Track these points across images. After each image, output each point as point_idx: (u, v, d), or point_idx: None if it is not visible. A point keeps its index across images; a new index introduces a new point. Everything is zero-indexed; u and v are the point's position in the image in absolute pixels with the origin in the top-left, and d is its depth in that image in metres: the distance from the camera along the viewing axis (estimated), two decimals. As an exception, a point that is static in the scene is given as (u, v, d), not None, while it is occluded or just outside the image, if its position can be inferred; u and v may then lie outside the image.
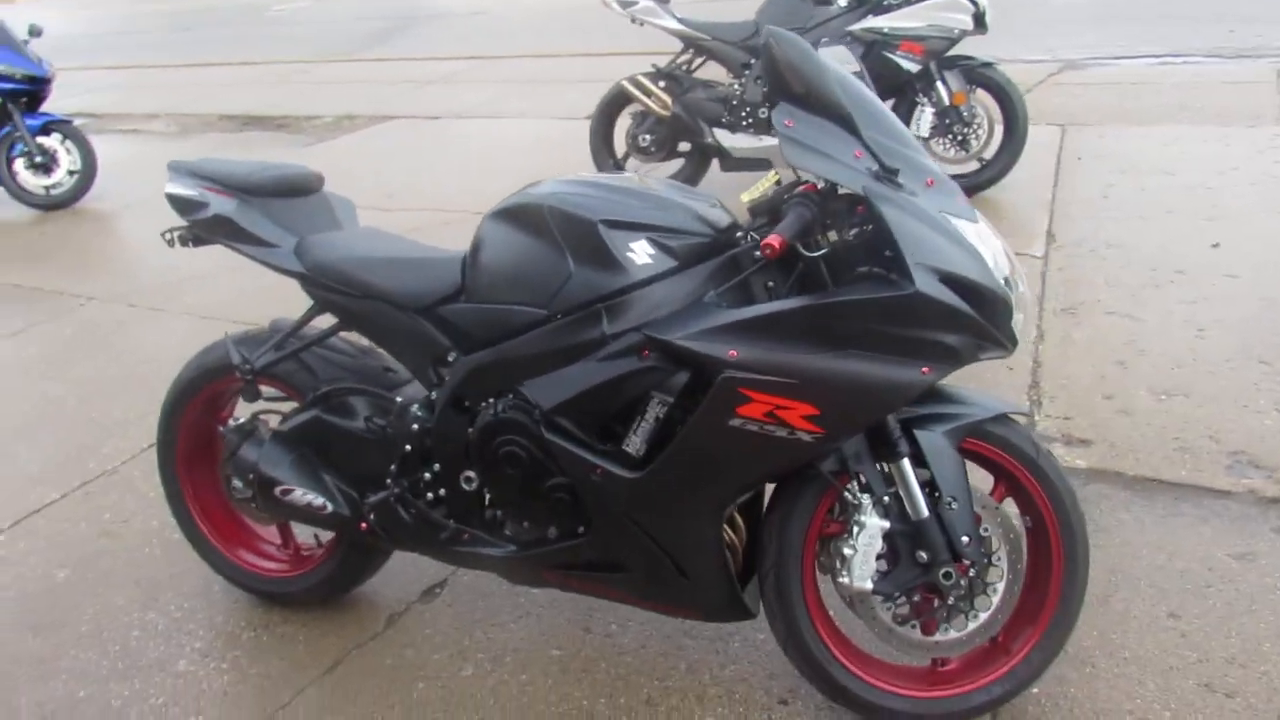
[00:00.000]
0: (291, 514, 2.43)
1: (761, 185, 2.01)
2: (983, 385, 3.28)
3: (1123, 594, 2.46)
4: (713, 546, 2.01)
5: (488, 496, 2.22)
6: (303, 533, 2.71)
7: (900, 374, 1.81)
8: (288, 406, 2.46)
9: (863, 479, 1.98)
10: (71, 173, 6.72)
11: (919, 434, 1.95)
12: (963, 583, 1.98)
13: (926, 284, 1.75)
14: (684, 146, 5.65)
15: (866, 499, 1.97)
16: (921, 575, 1.98)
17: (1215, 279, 4.09)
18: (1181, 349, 3.57)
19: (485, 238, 2.11)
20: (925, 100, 5.19)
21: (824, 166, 1.81)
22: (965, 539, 1.96)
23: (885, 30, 5.05)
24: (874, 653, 2.18)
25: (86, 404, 3.93)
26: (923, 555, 1.97)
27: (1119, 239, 4.58)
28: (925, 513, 1.96)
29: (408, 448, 2.25)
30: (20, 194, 6.70)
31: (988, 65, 5.15)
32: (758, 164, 5.26)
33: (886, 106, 1.94)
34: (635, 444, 1.97)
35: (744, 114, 5.28)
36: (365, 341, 2.40)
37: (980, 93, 5.20)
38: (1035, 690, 2.18)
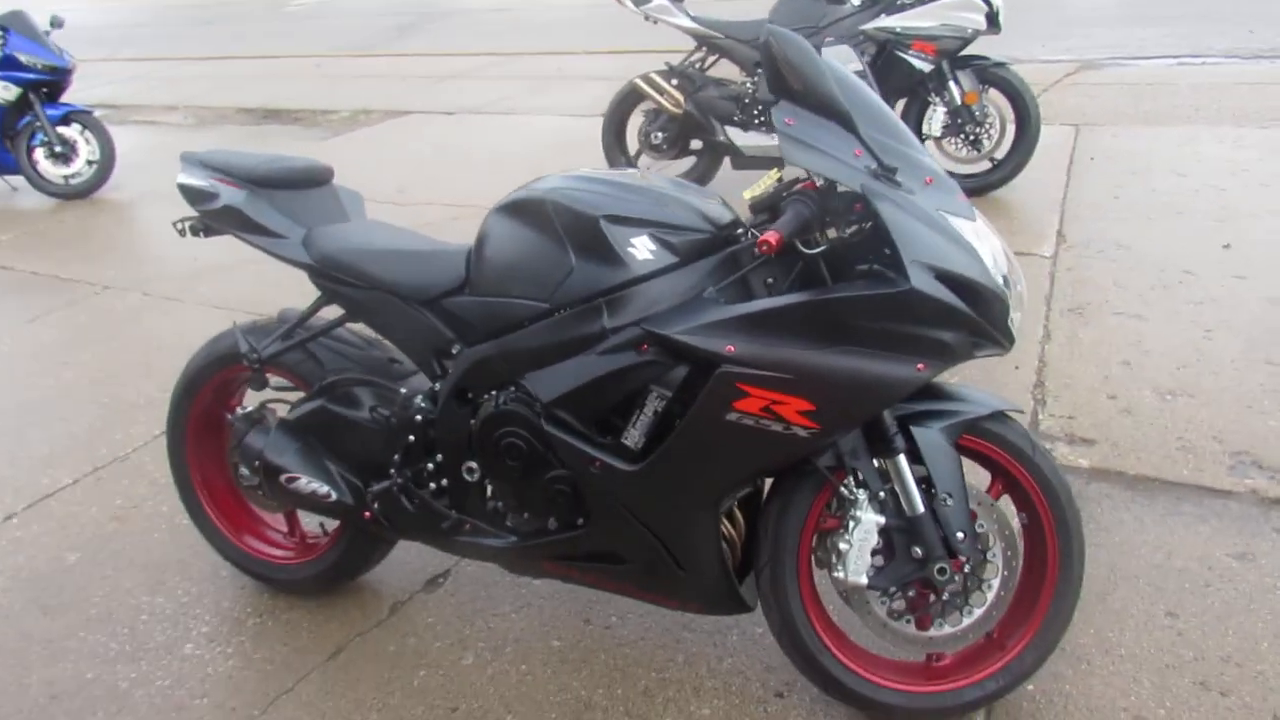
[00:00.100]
0: (297, 501, 2.46)
1: (764, 182, 2.02)
2: (989, 384, 3.29)
3: (1121, 592, 2.47)
4: (710, 539, 2.04)
5: (489, 487, 2.25)
6: (309, 521, 2.74)
7: (895, 370, 1.83)
8: (295, 396, 2.50)
9: (859, 474, 2.00)
10: (90, 163, 6.79)
11: (915, 430, 1.97)
12: (957, 578, 2.00)
13: (922, 281, 1.76)
14: (696, 144, 5.68)
15: (862, 494, 1.99)
16: (916, 570, 2.00)
17: (1224, 280, 4.08)
18: (1187, 349, 3.57)
19: (489, 231, 2.13)
20: (937, 100, 5.19)
21: (823, 164, 1.83)
22: (960, 535, 1.98)
23: (898, 30, 5.05)
24: (869, 647, 2.20)
25: (99, 390, 3.98)
26: (918, 551, 1.99)
27: (1129, 240, 4.57)
28: (921, 508, 1.97)
29: (411, 438, 2.28)
30: (40, 183, 6.77)
31: (1000, 65, 5.14)
32: (769, 162, 5.26)
33: (888, 106, 1.96)
34: (634, 437, 1.99)
35: (756, 112, 5.29)
36: (371, 333, 2.43)
37: (993, 92, 5.19)
38: (1030, 686, 2.20)
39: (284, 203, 2.40)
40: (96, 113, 7.10)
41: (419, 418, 2.26)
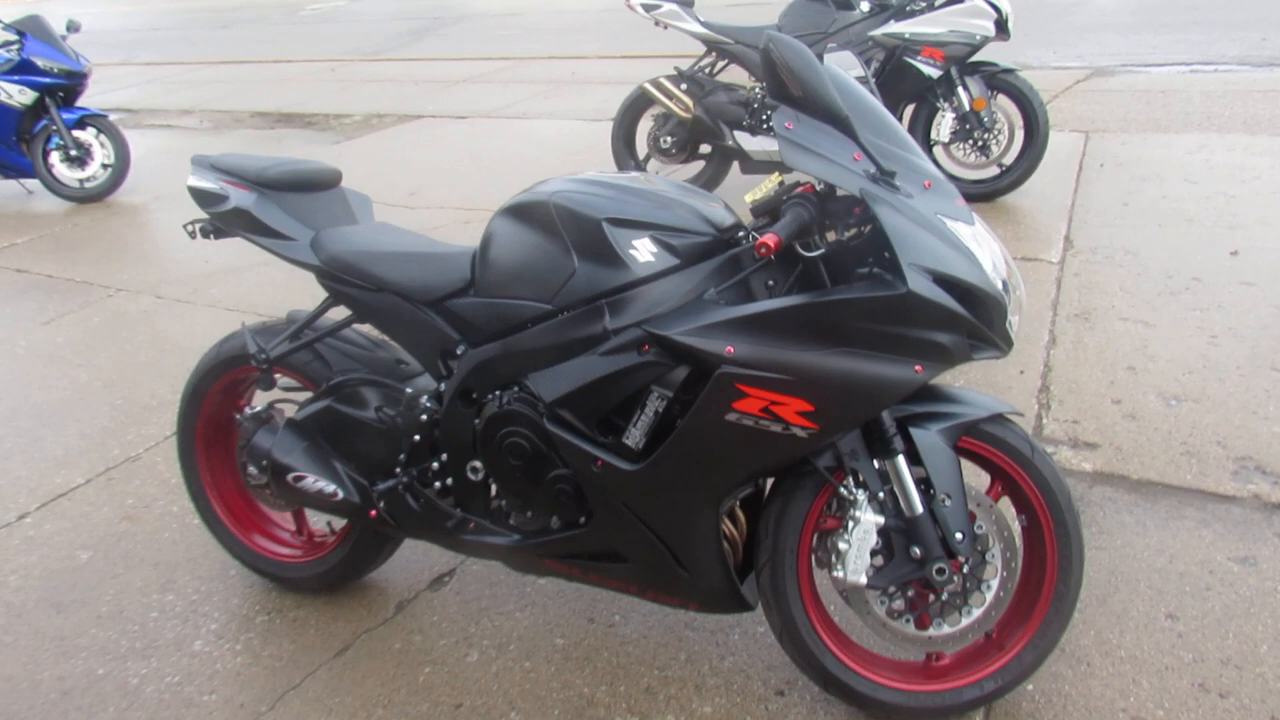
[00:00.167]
0: (304, 500, 2.49)
1: (765, 186, 2.04)
2: (994, 388, 3.31)
3: (1121, 595, 2.48)
4: (710, 538, 2.06)
5: (493, 486, 2.28)
6: (316, 520, 2.78)
7: (893, 372, 1.85)
8: (303, 396, 2.53)
9: (859, 475, 2.02)
10: (105, 166, 6.86)
11: (914, 432, 1.99)
12: (956, 579, 2.02)
13: (919, 284, 1.78)
14: (705, 149, 5.70)
15: (862, 495, 2.00)
16: (915, 570, 2.02)
17: (1231, 287, 4.08)
18: (1193, 355, 3.58)
19: (494, 234, 2.16)
20: (946, 105, 5.21)
21: (822, 168, 1.85)
22: (959, 535, 1.99)
23: (906, 35, 5.06)
24: (869, 646, 2.22)
25: (112, 391, 4.02)
26: (916, 551, 2.00)
27: (1136, 246, 4.58)
28: (919, 509, 1.99)
29: (416, 438, 2.31)
30: (55, 186, 6.84)
31: (1009, 71, 5.15)
32: (777, 167, 5.29)
33: (894, 112, 1.98)
34: (635, 437, 2.02)
35: (764, 117, 5.30)
36: (378, 334, 2.46)
37: (1001, 99, 5.21)
38: (1030, 686, 2.21)
39: (293, 205, 2.44)
40: (112, 116, 7.18)
41: (424, 418, 2.29)
